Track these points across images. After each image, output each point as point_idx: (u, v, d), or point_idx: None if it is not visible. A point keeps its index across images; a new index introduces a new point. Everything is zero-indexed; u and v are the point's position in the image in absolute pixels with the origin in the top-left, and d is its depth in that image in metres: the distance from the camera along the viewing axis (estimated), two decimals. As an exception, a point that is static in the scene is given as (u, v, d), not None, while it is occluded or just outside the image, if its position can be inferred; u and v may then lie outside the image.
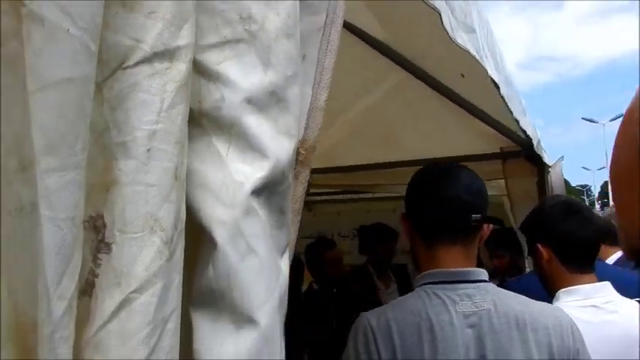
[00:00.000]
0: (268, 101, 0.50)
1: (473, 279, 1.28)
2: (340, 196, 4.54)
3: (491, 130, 3.23)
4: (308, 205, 4.80)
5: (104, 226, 0.42)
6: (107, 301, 0.41)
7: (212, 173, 0.48)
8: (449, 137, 3.52)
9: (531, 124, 2.54)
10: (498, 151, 3.42)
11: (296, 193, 0.60)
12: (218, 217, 0.48)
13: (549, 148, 3.46)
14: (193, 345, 0.48)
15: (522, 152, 3.24)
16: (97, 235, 0.42)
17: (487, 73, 1.43)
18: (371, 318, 1.27)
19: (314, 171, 3.54)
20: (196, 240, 0.48)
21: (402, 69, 2.64)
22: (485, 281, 1.30)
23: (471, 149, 3.42)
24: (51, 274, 0.37)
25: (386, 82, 3.00)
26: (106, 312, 0.41)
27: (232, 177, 0.48)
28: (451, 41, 1.97)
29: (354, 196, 4.51)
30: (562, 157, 3.19)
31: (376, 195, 4.43)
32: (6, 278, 0.39)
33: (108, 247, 0.42)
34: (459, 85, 2.76)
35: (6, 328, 0.39)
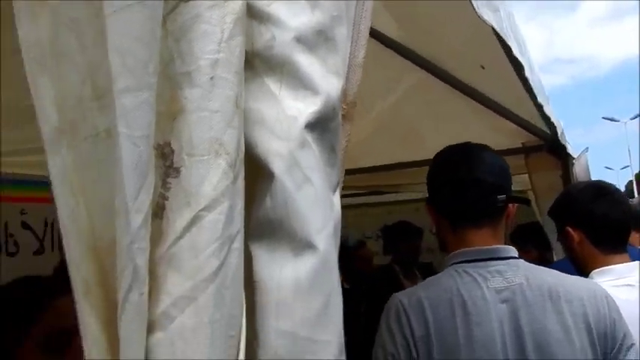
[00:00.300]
0: (316, 40, 0.52)
1: (503, 256, 1.28)
2: (364, 198, 4.55)
3: (513, 125, 3.23)
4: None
5: (172, 152, 0.44)
6: (178, 220, 0.43)
7: (266, 110, 0.51)
8: (470, 134, 3.51)
9: (554, 114, 2.53)
10: (520, 146, 3.41)
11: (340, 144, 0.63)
12: (275, 149, 0.50)
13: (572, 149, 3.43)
14: (253, 277, 0.50)
15: (545, 146, 3.22)
16: (165, 161, 0.44)
17: (511, 52, 1.44)
18: (402, 297, 1.28)
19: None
20: (254, 175, 0.51)
21: (420, 69, 2.66)
22: (515, 258, 1.30)
23: (492, 145, 3.38)
24: (129, 188, 0.40)
25: (405, 82, 3.02)
26: (177, 229, 0.43)
27: (286, 113, 0.50)
28: (470, 35, 1.99)
29: (378, 197, 4.52)
30: (587, 149, 3.16)
31: (399, 196, 4.43)
32: (84, 202, 0.41)
33: (177, 171, 0.44)
34: (479, 82, 2.77)
35: (85, 248, 0.42)
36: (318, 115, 0.51)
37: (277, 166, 0.50)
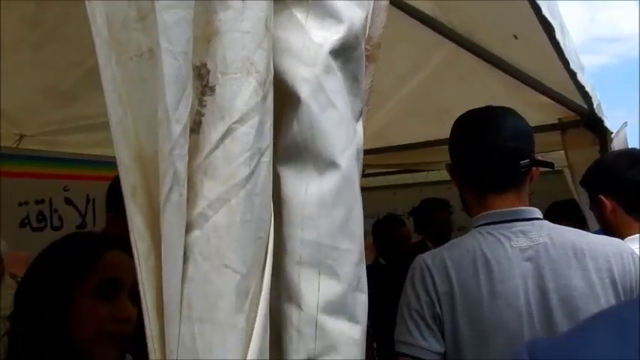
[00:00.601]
0: (341, -28, 0.55)
1: (527, 217, 1.28)
2: (395, 178, 4.56)
3: (548, 100, 3.16)
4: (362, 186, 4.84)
5: (208, 72, 0.49)
6: (213, 133, 0.48)
7: (294, 39, 0.54)
8: (504, 111, 3.47)
9: (590, 84, 2.48)
10: (556, 121, 3.34)
11: (364, 84, 0.66)
12: (301, 75, 0.54)
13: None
14: (282, 196, 0.55)
15: (582, 121, 3.15)
16: (201, 81, 0.49)
17: (540, 11, 1.42)
18: (426, 257, 1.30)
19: (367, 152, 3.57)
20: (283, 102, 0.55)
21: (450, 42, 2.63)
22: (540, 219, 1.30)
23: (528, 121, 3.36)
24: (170, 100, 0.44)
25: (435, 58, 2.99)
26: (213, 141, 0.48)
27: (312, 40, 0.54)
28: (502, 3, 1.96)
29: (409, 177, 4.52)
30: (625, 124, 3.09)
31: (430, 177, 4.42)
32: (131, 113, 0.46)
33: (212, 89, 0.49)
34: (512, 55, 2.72)
35: (133, 156, 0.47)
36: (342, 42, 0.55)
37: (303, 91, 0.54)
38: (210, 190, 0.47)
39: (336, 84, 0.55)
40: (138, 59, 0.46)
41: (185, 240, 0.46)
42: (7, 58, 2.43)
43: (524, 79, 2.89)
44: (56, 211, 3.59)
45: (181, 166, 0.45)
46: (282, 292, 0.54)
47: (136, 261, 0.47)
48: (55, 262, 1.07)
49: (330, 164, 0.54)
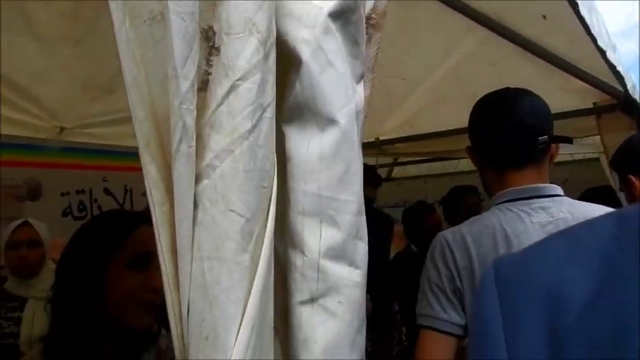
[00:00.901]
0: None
1: (547, 194, 1.28)
2: (426, 168, 4.54)
3: (583, 84, 3.09)
4: (392, 175, 4.85)
5: (214, 34, 0.53)
6: (219, 90, 0.52)
7: (295, 3, 0.58)
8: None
9: (623, 65, 2.41)
10: (592, 106, 3.26)
11: (369, 52, 0.69)
12: (302, 37, 0.57)
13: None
14: (286, 154, 0.58)
15: (618, 105, 3.07)
16: (208, 42, 0.53)
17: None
18: (446, 234, 1.32)
19: (398, 140, 3.59)
20: (286, 65, 0.58)
21: (481, 27, 2.61)
22: (560, 195, 1.29)
23: (561, 106, 3.28)
24: (178, 57, 0.49)
25: (465, 43, 2.97)
26: (218, 97, 0.52)
27: (312, 3, 0.57)
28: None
29: (440, 167, 4.49)
30: (663, 107, 2.98)
31: (461, 166, 4.38)
32: (145, 72, 0.51)
33: (217, 50, 0.53)
34: (543, 38, 2.68)
35: (146, 111, 0.51)
36: (341, 5, 0.58)
37: (304, 52, 0.57)
38: (216, 142, 0.51)
39: (335, 45, 0.58)
40: (150, 22, 0.50)
41: (195, 189, 0.50)
42: (49, 54, 2.55)
43: (556, 63, 2.83)
44: (96, 200, 3.74)
45: (189, 120, 0.49)
46: (287, 240, 0.58)
47: (151, 207, 0.51)
48: (93, 237, 1.16)
49: (330, 121, 0.57)
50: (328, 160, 0.57)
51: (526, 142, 1.29)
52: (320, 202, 0.57)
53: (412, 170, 4.73)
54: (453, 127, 3.68)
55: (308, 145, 0.57)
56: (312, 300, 0.56)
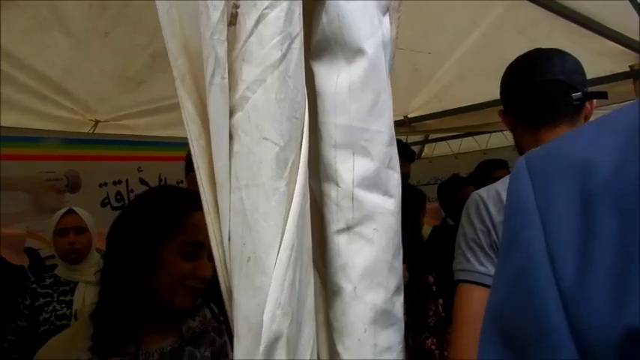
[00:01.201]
0: None
1: None
2: (457, 141, 4.48)
3: (618, 46, 2.99)
4: (423, 154, 4.80)
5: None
6: (248, 21, 0.53)
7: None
8: (569, 61, 3.31)
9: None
10: (628, 69, 3.16)
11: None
12: None
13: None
14: (316, 88, 0.59)
15: (656, 66, 2.97)
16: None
17: None
18: (480, 192, 1.31)
19: (427, 117, 3.54)
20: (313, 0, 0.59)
21: (508, -7, 2.55)
22: None
23: (596, 71, 3.19)
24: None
25: (492, 11, 2.90)
26: (247, 28, 0.53)
27: None
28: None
29: (471, 139, 4.43)
30: None
31: (492, 143, 4.31)
32: (176, 7, 0.52)
33: None
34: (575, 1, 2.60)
35: (179, 45, 0.53)
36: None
37: (329, -17, 0.57)
38: (248, 74, 0.53)
39: (360, -22, 0.58)
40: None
41: (230, 122, 0.52)
42: (78, 47, 2.61)
43: (589, 26, 2.75)
44: (132, 191, 3.83)
45: (221, 51, 0.51)
46: (320, 175, 0.59)
47: (189, 141, 0.53)
48: (147, 218, 1.14)
49: (357, 51, 0.58)
50: (357, 91, 0.57)
51: (559, 98, 1.27)
52: (351, 133, 0.57)
53: (443, 148, 4.68)
54: (484, 100, 3.62)
55: (337, 79, 0.58)
56: (349, 228, 0.57)
